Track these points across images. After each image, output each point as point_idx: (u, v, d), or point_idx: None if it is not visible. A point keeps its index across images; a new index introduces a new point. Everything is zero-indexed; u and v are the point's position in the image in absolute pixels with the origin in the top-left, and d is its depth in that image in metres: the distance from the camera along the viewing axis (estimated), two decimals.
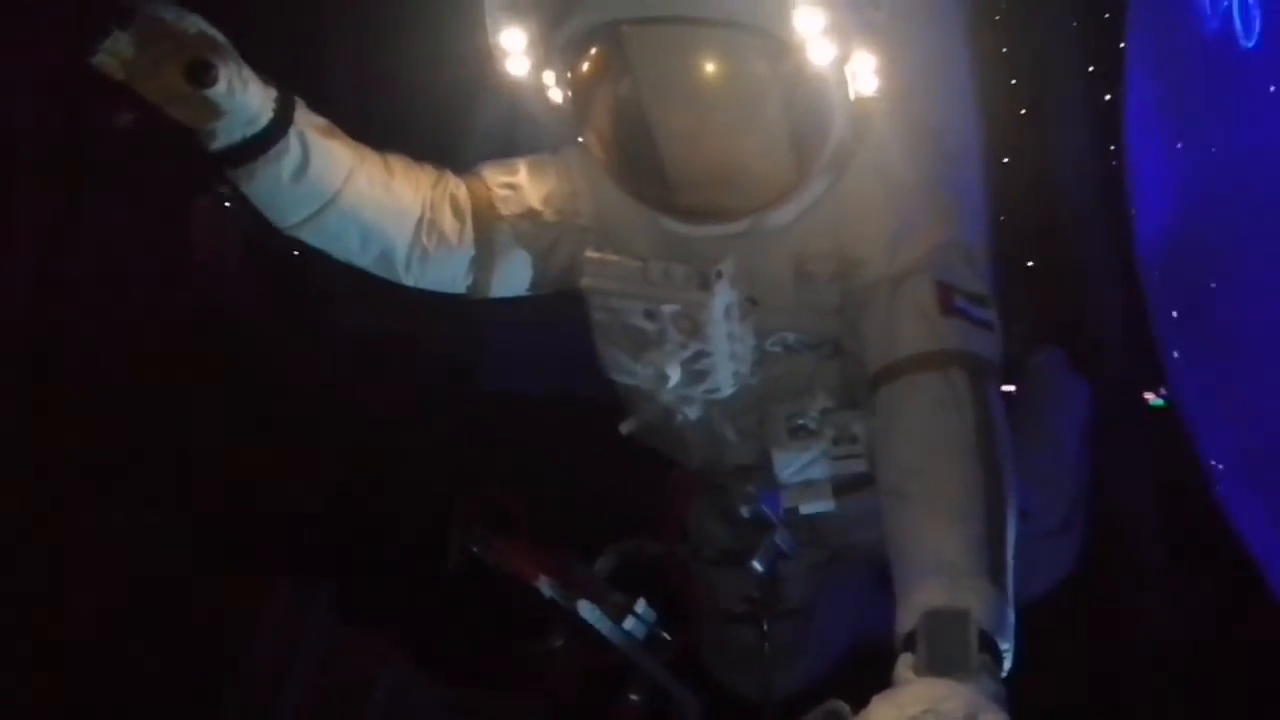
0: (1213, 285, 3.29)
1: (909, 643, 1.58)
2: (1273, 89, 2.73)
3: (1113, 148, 4.36)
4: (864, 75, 1.80)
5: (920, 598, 1.61)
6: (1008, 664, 1.60)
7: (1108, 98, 4.36)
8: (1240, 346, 3.11)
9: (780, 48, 1.76)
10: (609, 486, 2.86)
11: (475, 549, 2.33)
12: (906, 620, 1.61)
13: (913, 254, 1.92)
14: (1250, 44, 2.85)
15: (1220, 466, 3.30)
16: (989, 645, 1.56)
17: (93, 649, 2.71)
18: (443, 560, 2.40)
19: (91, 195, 3.23)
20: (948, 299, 1.87)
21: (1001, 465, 1.77)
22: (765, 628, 2.25)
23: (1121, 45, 4.25)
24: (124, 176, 3.19)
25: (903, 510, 1.77)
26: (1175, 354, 3.81)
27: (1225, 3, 3.02)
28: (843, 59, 1.76)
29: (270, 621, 3.10)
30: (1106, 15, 4.39)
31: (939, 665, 1.53)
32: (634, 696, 2.38)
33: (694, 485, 2.43)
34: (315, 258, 2.08)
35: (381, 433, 3.40)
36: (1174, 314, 3.73)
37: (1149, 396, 3.96)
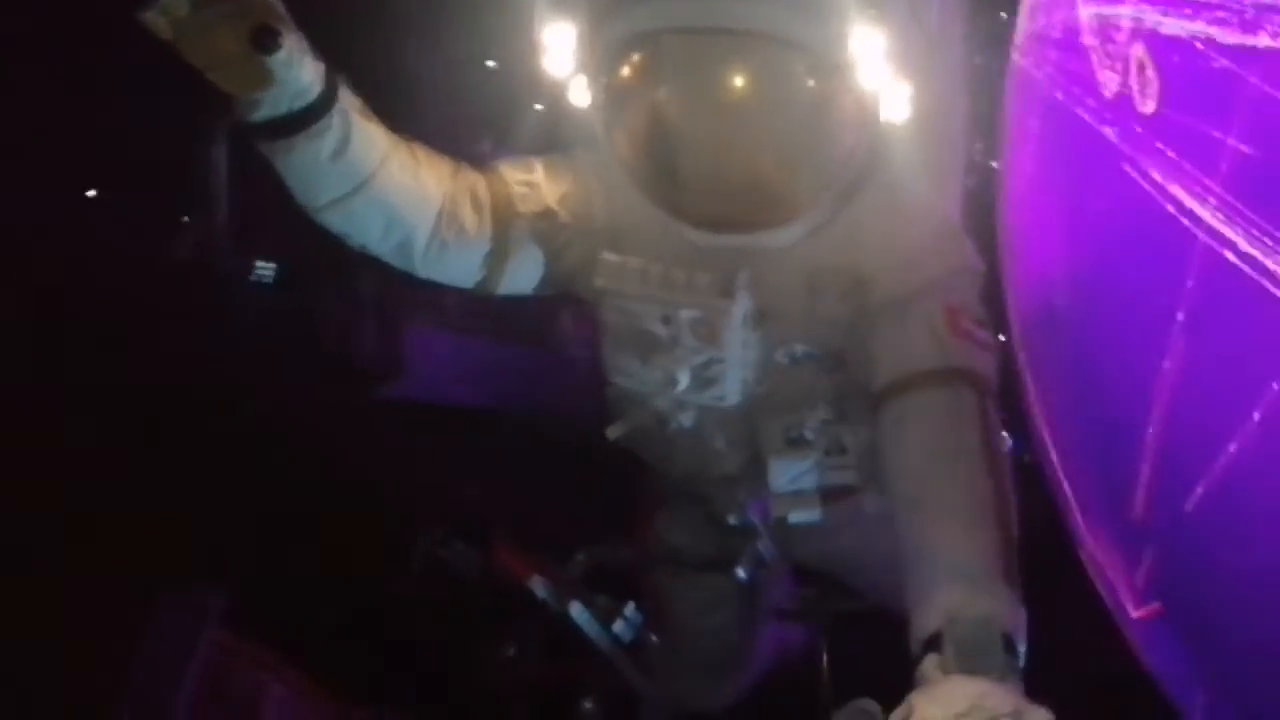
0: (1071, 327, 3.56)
1: (932, 644, 1.64)
2: (1169, 153, 3.00)
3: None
4: (898, 101, 1.88)
5: (943, 601, 1.68)
6: (1021, 665, 1.67)
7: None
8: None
9: (826, 68, 1.83)
10: (561, 496, 2.84)
11: (442, 553, 2.28)
12: (929, 622, 1.67)
13: (925, 276, 2.00)
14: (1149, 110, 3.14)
15: (1083, 518, 3.55)
16: (1010, 647, 1.64)
17: None
18: (344, 568, 2.32)
19: None
20: (957, 321, 1.96)
21: (1005, 476, 1.89)
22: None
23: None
24: None
25: (918, 516, 1.84)
26: (1038, 399, 4.10)
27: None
28: (883, 84, 1.85)
29: (156, 634, 2.93)
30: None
31: (969, 665, 1.59)
32: (588, 705, 2.38)
33: (661, 495, 2.44)
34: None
35: (288, 434, 3.27)
36: (1040, 369, 4.01)
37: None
